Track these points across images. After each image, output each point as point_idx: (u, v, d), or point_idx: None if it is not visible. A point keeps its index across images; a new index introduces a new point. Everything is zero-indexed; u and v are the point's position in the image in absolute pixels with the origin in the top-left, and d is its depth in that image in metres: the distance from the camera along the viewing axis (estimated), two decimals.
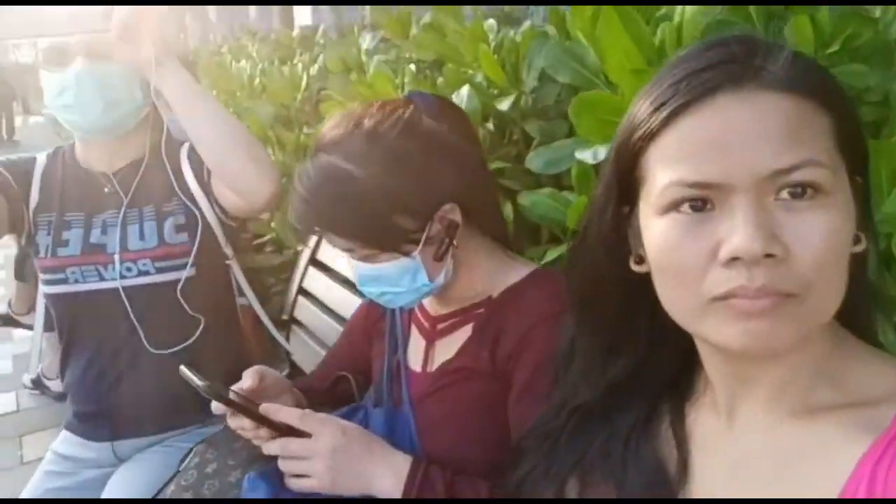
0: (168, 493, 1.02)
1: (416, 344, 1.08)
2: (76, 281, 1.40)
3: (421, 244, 0.94)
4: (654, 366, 0.70)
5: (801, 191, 0.52)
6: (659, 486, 0.65)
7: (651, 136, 0.57)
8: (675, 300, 0.59)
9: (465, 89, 1.83)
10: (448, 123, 0.97)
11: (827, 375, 0.60)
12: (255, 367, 1.04)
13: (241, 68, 4.83)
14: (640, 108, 0.59)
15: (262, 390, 1.02)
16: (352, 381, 1.14)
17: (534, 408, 0.80)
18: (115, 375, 1.44)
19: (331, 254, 1.96)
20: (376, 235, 0.93)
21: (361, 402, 1.11)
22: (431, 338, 1.06)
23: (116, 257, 1.39)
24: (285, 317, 2.05)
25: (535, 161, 1.48)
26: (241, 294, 1.63)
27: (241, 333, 1.62)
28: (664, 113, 0.56)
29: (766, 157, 0.52)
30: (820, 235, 0.52)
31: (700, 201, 0.55)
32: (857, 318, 0.63)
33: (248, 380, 1.01)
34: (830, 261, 0.53)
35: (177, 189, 1.43)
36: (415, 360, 1.07)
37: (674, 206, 0.56)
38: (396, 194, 0.91)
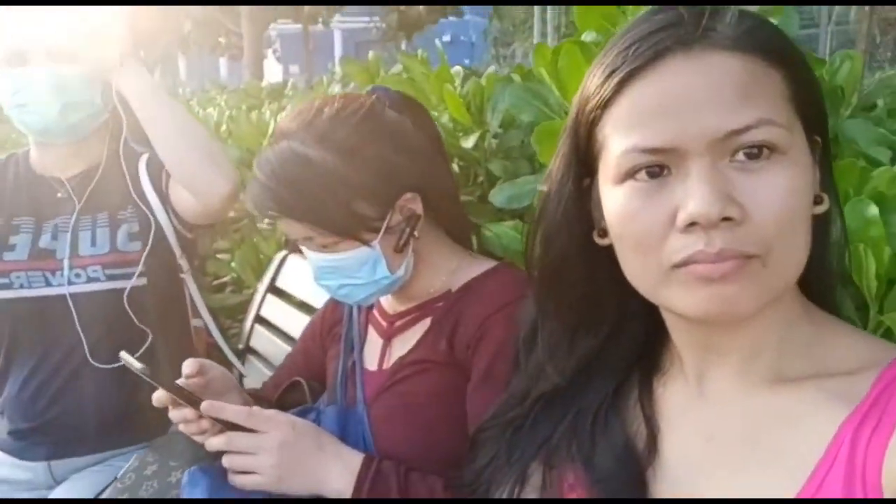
0: (104, 496, 0.96)
1: (373, 343, 1.06)
2: (21, 286, 1.35)
3: (381, 233, 0.93)
4: (620, 342, 0.68)
5: (757, 151, 0.52)
6: (628, 461, 0.63)
7: (604, 104, 0.57)
8: (636, 270, 0.58)
9: None
10: (410, 116, 0.98)
11: (796, 344, 0.59)
12: (196, 359, 1.00)
13: (208, 115, 4.86)
14: (593, 78, 0.59)
15: (206, 384, 0.98)
16: (304, 386, 1.10)
17: (493, 396, 0.78)
18: (56, 390, 1.37)
19: (291, 280, 1.94)
20: (335, 221, 0.91)
21: (316, 405, 1.08)
22: (389, 335, 1.04)
23: (66, 262, 1.35)
24: (241, 346, 1.99)
25: (498, 196, 1.50)
26: (196, 315, 1.59)
27: (193, 355, 1.57)
28: (615, 80, 0.56)
29: (719, 118, 0.52)
30: (778, 195, 0.52)
31: (656, 167, 0.54)
32: (821, 287, 0.63)
33: (187, 367, 0.97)
34: (790, 220, 0.53)
35: (133, 196, 1.39)
36: (371, 360, 1.05)
37: (630, 174, 0.55)
38: (356, 179, 0.91)
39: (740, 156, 0.52)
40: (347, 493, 0.86)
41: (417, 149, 0.96)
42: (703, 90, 0.52)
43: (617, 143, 0.56)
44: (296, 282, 1.94)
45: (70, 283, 1.35)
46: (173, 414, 0.92)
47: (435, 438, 0.92)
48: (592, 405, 0.68)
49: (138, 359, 1.10)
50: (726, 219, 0.51)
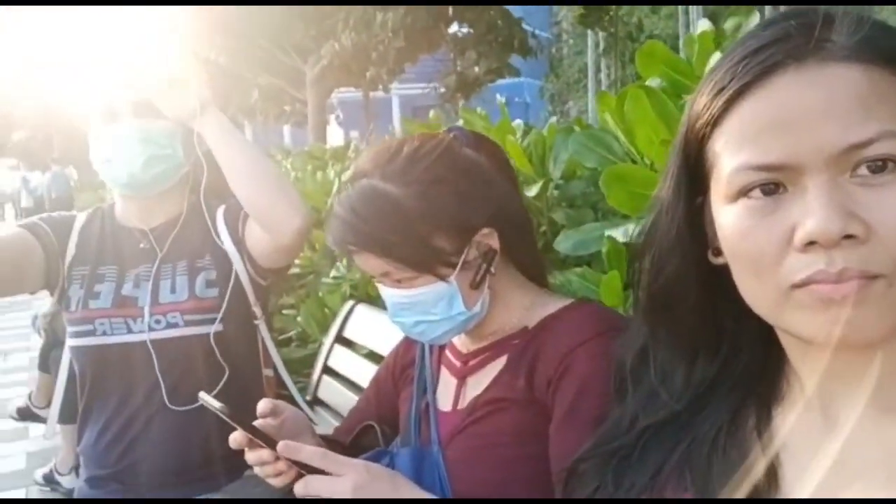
0: None
1: (446, 384, 1.04)
2: (104, 333, 1.40)
3: (458, 268, 0.93)
4: (736, 366, 0.65)
5: (881, 165, 0.49)
6: (745, 492, 0.59)
7: (713, 122, 0.56)
8: (752, 291, 0.56)
9: None
10: (486, 154, 0.99)
11: None
12: (270, 399, 1.00)
13: None
14: (701, 97, 0.58)
15: (280, 425, 0.98)
16: (377, 430, 1.09)
17: (579, 433, 0.76)
18: (132, 436, 1.39)
19: (358, 329, 1.95)
20: (413, 256, 0.92)
21: (390, 448, 1.07)
22: (462, 375, 1.02)
23: (146, 310, 1.39)
24: (308, 397, 2.00)
25: (563, 243, 1.49)
26: (267, 365, 1.61)
27: None
28: (724, 97, 0.54)
29: (838, 132, 0.49)
30: None
31: (771, 185, 0.52)
32: None
33: (262, 406, 0.98)
34: None
35: (211, 245, 1.44)
36: (444, 401, 1.03)
37: (743, 192, 0.53)
38: (435, 214, 0.92)
39: (862, 170, 0.49)
40: None
41: (493, 185, 0.97)
42: (819, 103, 0.50)
43: (728, 160, 0.54)
44: (363, 331, 1.96)
45: (151, 329, 1.39)
46: (249, 456, 0.92)
47: (513, 479, 0.90)
48: (709, 433, 0.64)
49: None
50: (849, 237, 0.48)
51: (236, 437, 0.91)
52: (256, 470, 0.92)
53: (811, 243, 0.49)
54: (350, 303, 2.09)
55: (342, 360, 1.97)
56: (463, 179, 0.95)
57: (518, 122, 2.60)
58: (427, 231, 0.92)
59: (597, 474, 0.69)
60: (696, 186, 0.60)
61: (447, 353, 1.07)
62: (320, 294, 2.79)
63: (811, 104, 0.50)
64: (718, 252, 0.60)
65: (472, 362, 1.02)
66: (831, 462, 0.57)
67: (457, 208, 0.94)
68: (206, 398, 0.91)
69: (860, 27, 0.53)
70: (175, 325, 1.40)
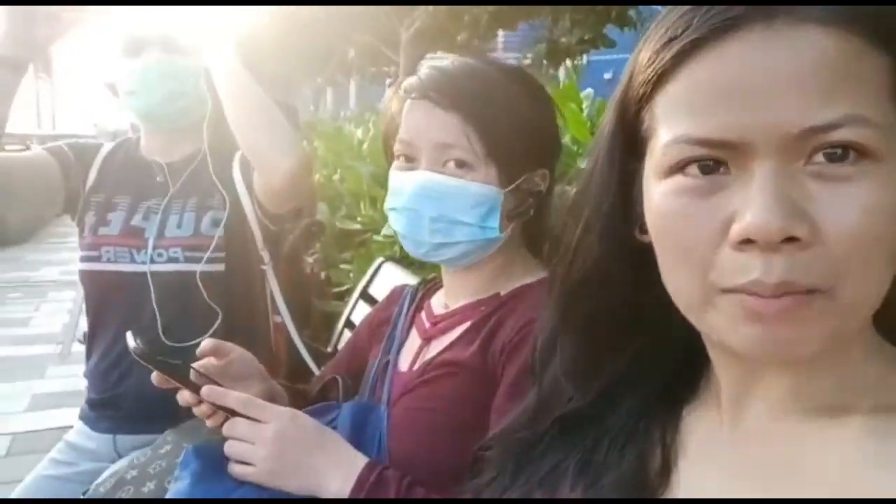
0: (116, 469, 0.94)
1: (412, 344, 0.98)
2: (108, 260, 1.40)
3: (515, 184, 0.87)
4: (654, 361, 0.57)
5: (842, 153, 0.40)
6: (634, 494, 0.52)
7: (657, 78, 0.46)
8: (676, 284, 0.47)
9: None
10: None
11: (859, 385, 0.46)
12: (214, 340, 0.96)
13: (352, 132, 5.04)
14: (648, 43, 0.47)
15: (223, 367, 0.94)
16: (339, 383, 1.03)
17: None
18: (128, 364, 1.39)
19: (382, 286, 1.90)
20: (501, 138, 0.85)
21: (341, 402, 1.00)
22: (428, 336, 0.96)
23: (150, 241, 1.39)
24: (330, 349, 1.98)
25: None
26: (276, 312, 1.58)
27: (268, 350, 1.56)
28: (673, 49, 0.44)
29: (797, 110, 0.40)
30: (860, 212, 0.40)
31: (711, 162, 0.43)
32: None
33: (202, 346, 0.94)
34: (870, 245, 0.41)
35: (225, 184, 1.42)
36: (405, 361, 0.97)
37: (679, 168, 0.44)
38: (535, 117, 0.88)
39: (819, 157, 0.41)
40: (343, 494, 0.78)
41: (557, 135, 0.95)
42: (783, 73, 0.41)
43: (667, 128, 0.45)
44: (386, 288, 1.88)
45: (152, 261, 1.39)
46: (178, 396, 0.89)
47: (452, 448, 0.82)
48: (612, 432, 0.57)
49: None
50: (791, 238, 0.40)
51: (154, 377, 0.88)
52: (194, 410, 0.88)
53: (747, 241, 0.41)
54: (379, 260, 2.04)
55: (363, 315, 1.93)
56: (551, 105, 0.93)
57: (588, 90, 2.45)
58: (521, 126, 0.87)
59: (500, 462, 0.63)
60: (632, 152, 0.50)
61: (422, 314, 1.01)
62: (372, 248, 2.78)
63: (773, 73, 0.41)
64: (646, 229, 0.50)
65: (439, 324, 0.95)
66: (728, 471, 0.49)
67: (546, 126, 0.91)
68: (129, 337, 0.87)
69: None
70: (175, 260, 1.39)
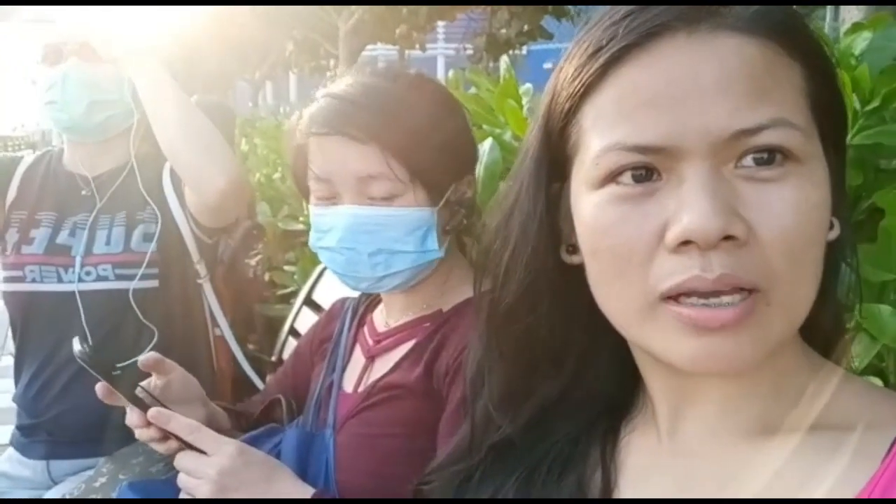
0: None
1: (356, 364, 0.96)
2: (33, 280, 1.34)
3: (444, 200, 0.85)
4: (585, 383, 0.56)
5: (769, 157, 0.42)
6: None
7: (584, 91, 0.46)
8: (612, 298, 0.47)
9: (487, 141, 1.76)
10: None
11: (790, 396, 0.47)
12: (156, 354, 0.91)
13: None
14: (572, 58, 0.47)
15: (164, 385, 0.90)
16: (283, 404, 1.01)
17: None
18: (59, 388, 1.34)
19: (326, 293, 1.87)
20: (420, 161, 0.82)
21: (287, 427, 0.98)
22: (372, 355, 0.93)
23: (78, 260, 1.32)
24: (274, 358, 1.94)
25: None
26: (216, 325, 1.53)
27: (209, 366, 1.51)
28: (600, 60, 0.45)
29: (726, 114, 0.41)
30: (791, 212, 0.41)
31: (643, 170, 0.43)
32: (825, 330, 0.50)
33: (143, 359, 0.89)
34: (803, 244, 0.42)
35: (155, 197, 1.36)
36: (350, 382, 0.94)
37: (611, 177, 0.44)
38: (448, 131, 0.85)
39: (748, 160, 0.42)
40: None
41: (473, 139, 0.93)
42: (709, 79, 0.42)
43: (597, 138, 0.45)
44: (330, 294, 1.86)
45: (80, 280, 1.33)
46: (128, 417, 0.85)
47: (400, 474, 0.80)
48: (548, 457, 0.56)
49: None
50: (728, 238, 0.40)
51: (99, 387, 0.84)
52: (137, 433, 0.84)
53: (686, 243, 0.41)
54: (321, 266, 2.00)
55: (307, 322, 1.89)
56: (463, 114, 0.91)
57: (528, 86, 2.45)
58: (438, 143, 0.84)
59: (438, 496, 0.61)
60: (556, 169, 0.50)
61: (365, 330, 0.98)
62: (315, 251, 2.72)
63: (700, 78, 0.42)
64: (574, 249, 0.50)
65: (384, 342, 0.93)
66: (671, 489, 0.49)
67: (462, 136, 0.88)
68: (75, 343, 0.82)
69: None
70: (105, 279, 1.33)
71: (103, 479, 0.93)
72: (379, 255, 0.84)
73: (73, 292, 1.32)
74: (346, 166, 0.82)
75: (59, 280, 1.33)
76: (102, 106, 1.34)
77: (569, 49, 0.49)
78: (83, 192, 1.39)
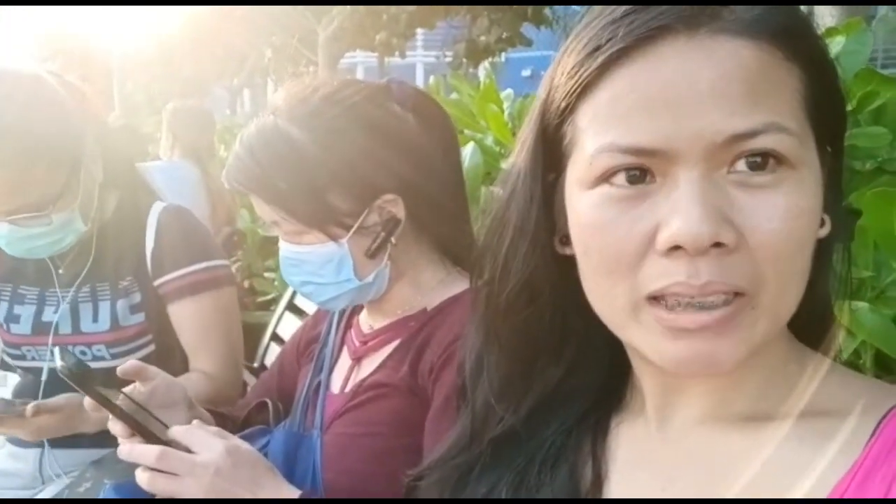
0: None
1: (343, 364, 0.97)
2: (33, 359, 1.29)
3: (352, 231, 0.85)
4: (582, 374, 0.57)
5: (762, 161, 0.42)
6: None
7: (581, 90, 0.46)
8: (601, 295, 0.48)
9: (469, 146, 1.76)
10: (418, 117, 0.90)
11: (778, 388, 0.48)
12: (137, 362, 0.90)
13: None
14: (569, 55, 0.48)
15: (149, 392, 0.89)
16: (269, 406, 1.01)
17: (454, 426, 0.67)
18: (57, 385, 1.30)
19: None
20: (304, 208, 0.85)
21: (274, 428, 0.98)
22: (358, 356, 0.94)
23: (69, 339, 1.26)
24: (256, 364, 1.93)
25: None
26: None
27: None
28: (597, 60, 0.45)
29: (721, 118, 0.42)
30: (782, 219, 0.42)
31: (637, 171, 0.44)
32: (813, 325, 0.51)
33: (124, 367, 0.89)
34: (792, 250, 0.43)
35: (133, 263, 1.27)
36: (337, 382, 0.95)
37: (605, 178, 0.45)
38: (334, 167, 0.84)
39: (741, 165, 0.43)
40: None
41: (412, 149, 0.88)
42: (705, 82, 0.42)
43: (592, 138, 0.45)
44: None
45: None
46: (109, 425, 0.84)
47: (387, 474, 0.80)
48: (543, 447, 0.57)
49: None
50: (717, 244, 0.41)
51: (86, 402, 0.83)
52: (120, 443, 0.83)
53: (675, 248, 0.42)
54: None
55: (290, 328, 1.89)
56: (373, 136, 0.86)
57: (508, 91, 2.46)
58: (322, 184, 0.84)
59: (435, 492, 0.61)
60: (551, 163, 0.51)
61: (351, 332, 0.99)
62: None
63: (697, 82, 0.42)
64: (567, 241, 0.51)
65: (369, 343, 0.94)
66: (661, 478, 0.51)
67: (359, 165, 0.85)
68: (57, 354, 0.82)
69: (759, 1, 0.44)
70: (102, 358, 1.27)
71: (87, 485, 0.92)
72: (307, 286, 0.92)
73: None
74: (260, 211, 0.90)
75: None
76: (44, 248, 1.21)
77: (567, 43, 0.49)
78: (59, 271, 1.29)
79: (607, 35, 0.45)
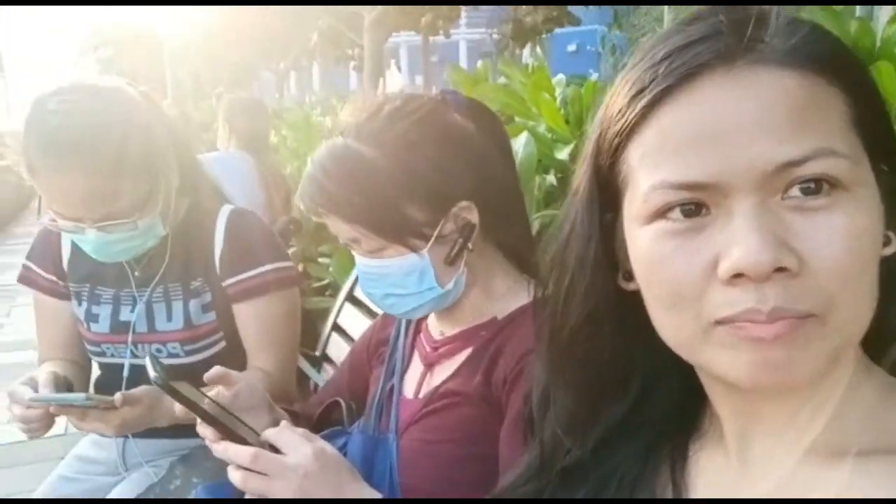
0: None
1: (415, 369, 0.99)
2: (113, 356, 1.35)
3: (431, 241, 0.87)
4: (651, 403, 0.58)
5: (815, 187, 0.43)
6: None
7: (629, 130, 0.48)
8: (668, 326, 0.48)
9: (523, 136, 1.75)
10: (476, 123, 0.92)
11: (857, 413, 0.48)
12: (221, 368, 0.95)
13: (321, 121, 4.98)
14: (616, 97, 0.50)
15: (233, 396, 0.93)
16: (343, 407, 1.04)
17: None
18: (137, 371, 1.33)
19: None
20: (384, 223, 0.86)
21: (350, 429, 1.01)
22: (430, 362, 0.96)
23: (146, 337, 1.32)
24: (318, 353, 1.98)
25: None
26: None
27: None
28: (642, 101, 0.47)
29: (769, 148, 0.42)
30: (841, 240, 0.42)
31: (692, 205, 0.45)
32: (887, 345, 0.51)
33: (210, 373, 0.93)
34: (856, 270, 0.43)
35: (203, 265, 1.32)
36: (410, 387, 0.97)
37: (661, 213, 0.46)
38: (409, 181, 0.86)
39: (794, 191, 0.43)
40: None
41: (479, 156, 0.90)
42: (750, 113, 0.43)
43: (645, 176, 0.47)
44: None
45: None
46: (199, 429, 0.88)
47: (461, 479, 0.83)
48: (617, 476, 0.58)
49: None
50: (780, 269, 0.42)
51: (178, 407, 0.86)
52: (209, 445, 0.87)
53: (738, 275, 0.42)
54: None
55: (351, 319, 1.93)
56: (444, 146, 0.88)
57: (560, 77, 2.43)
58: (399, 198, 0.86)
59: None
60: (608, 201, 0.52)
61: (421, 337, 1.01)
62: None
63: (741, 114, 0.43)
64: (630, 276, 0.52)
65: (441, 350, 0.96)
66: None
67: (433, 176, 0.87)
68: (148, 363, 0.86)
69: (796, 29, 0.45)
70: (176, 356, 1.32)
71: (177, 482, 0.96)
72: (389, 298, 0.93)
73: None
74: (337, 231, 0.92)
75: (134, 355, 1.32)
76: (126, 252, 1.25)
77: (614, 87, 0.51)
78: (135, 273, 1.33)
79: (649, 76, 0.46)
